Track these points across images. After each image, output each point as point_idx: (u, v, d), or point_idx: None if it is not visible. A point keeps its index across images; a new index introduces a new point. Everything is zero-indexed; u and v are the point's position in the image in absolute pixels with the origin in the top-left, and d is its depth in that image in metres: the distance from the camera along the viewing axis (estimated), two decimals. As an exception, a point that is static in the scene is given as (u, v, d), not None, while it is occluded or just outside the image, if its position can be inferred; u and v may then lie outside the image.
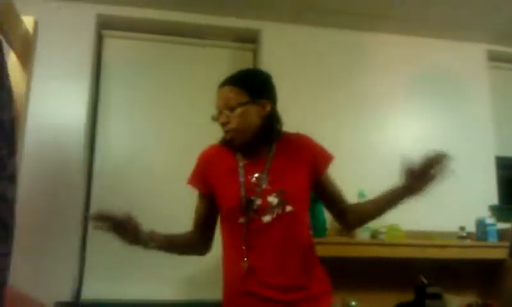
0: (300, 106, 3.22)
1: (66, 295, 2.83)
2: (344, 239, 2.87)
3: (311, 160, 1.83)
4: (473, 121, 3.52)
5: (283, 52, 3.36)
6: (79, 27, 3.15)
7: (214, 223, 1.90)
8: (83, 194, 3.06)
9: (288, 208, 1.72)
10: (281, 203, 1.71)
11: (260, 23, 3.39)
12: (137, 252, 2.95)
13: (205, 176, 1.84)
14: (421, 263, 2.93)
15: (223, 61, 3.44)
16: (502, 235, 3.03)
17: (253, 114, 1.77)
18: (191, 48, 3.44)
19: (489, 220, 3.08)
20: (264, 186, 1.73)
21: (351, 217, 1.89)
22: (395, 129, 3.39)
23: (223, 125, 1.78)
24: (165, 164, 3.20)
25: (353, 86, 3.38)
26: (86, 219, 2.96)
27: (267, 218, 1.71)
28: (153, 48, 3.40)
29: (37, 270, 2.75)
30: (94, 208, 3.07)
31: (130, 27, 3.35)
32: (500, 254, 2.87)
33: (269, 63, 3.28)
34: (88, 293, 2.97)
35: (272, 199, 1.71)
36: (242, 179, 1.75)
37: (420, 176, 1.67)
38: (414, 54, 3.54)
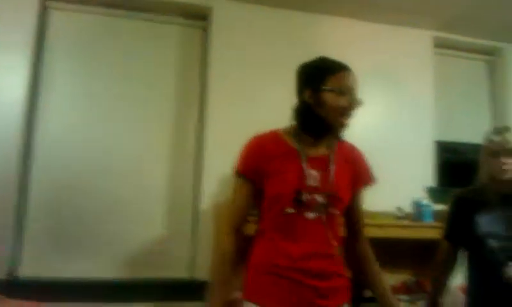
0: (250, 86, 3.25)
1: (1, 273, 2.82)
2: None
3: (356, 173, 1.86)
4: (417, 106, 3.63)
5: (234, 31, 3.35)
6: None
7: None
8: (20, 170, 2.97)
9: (332, 211, 1.75)
10: (328, 205, 1.74)
11: (211, 1, 3.36)
12: (79, 230, 2.96)
13: (258, 162, 1.78)
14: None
15: (172, 38, 3.41)
16: (437, 216, 3.15)
17: None
18: (138, 22, 3.37)
19: (426, 201, 3.21)
20: (317, 184, 1.74)
21: (354, 254, 1.93)
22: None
23: (351, 110, 1.76)
24: (108, 138, 3.16)
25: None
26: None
27: (311, 215, 1.72)
28: (100, 21, 3.31)
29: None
30: (33, 182, 3.02)
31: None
32: (434, 234, 3.00)
33: (220, 42, 3.29)
34: (27, 272, 2.94)
35: (320, 199, 1.73)
36: (306, 172, 1.74)
37: None
38: (363, 37, 3.59)
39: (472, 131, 3.79)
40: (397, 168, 3.34)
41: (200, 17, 3.44)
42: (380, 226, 2.96)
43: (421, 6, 3.43)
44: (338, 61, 1.81)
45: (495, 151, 2.21)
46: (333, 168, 1.78)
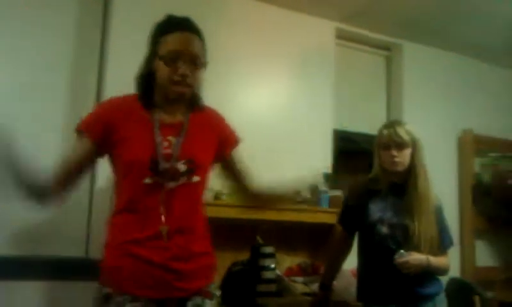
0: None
1: None
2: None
3: (219, 138, 1.81)
4: (317, 95, 3.69)
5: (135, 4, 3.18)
6: None
7: (82, 174, 1.71)
8: None
9: (195, 179, 1.67)
10: (189, 172, 1.65)
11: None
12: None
13: (107, 122, 1.64)
14: (259, 224, 3.10)
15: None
16: (332, 201, 3.28)
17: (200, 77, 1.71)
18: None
19: (323, 187, 3.32)
20: (174, 151, 1.64)
21: (249, 196, 1.94)
22: (246, 96, 3.45)
23: (183, 76, 1.62)
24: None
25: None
26: None
27: (171, 184, 1.63)
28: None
29: None
30: None
31: None
32: (330, 219, 3.12)
33: (121, 17, 3.13)
34: None
35: (180, 166, 1.64)
36: (158, 139, 1.63)
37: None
38: (270, 21, 3.58)
39: (368, 122, 3.97)
40: (297, 154, 3.41)
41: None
42: (279, 210, 3.01)
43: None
44: (176, 19, 1.71)
45: (386, 144, 2.32)
46: (186, 134, 1.69)
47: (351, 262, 2.56)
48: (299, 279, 3.12)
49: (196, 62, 1.65)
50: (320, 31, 3.81)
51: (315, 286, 2.96)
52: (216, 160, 1.82)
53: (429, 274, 2.28)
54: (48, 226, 2.91)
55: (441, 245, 2.33)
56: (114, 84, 3.00)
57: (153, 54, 1.67)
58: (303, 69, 3.67)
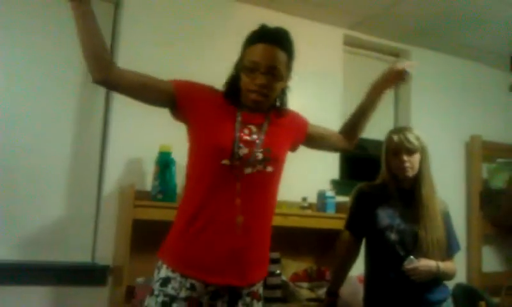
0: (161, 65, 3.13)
1: None
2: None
3: (294, 131, 1.94)
4: (325, 101, 3.69)
5: (146, 10, 3.21)
6: None
7: (141, 96, 1.76)
8: None
9: (269, 168, 1.74)
10: (265, 161, 1.73)
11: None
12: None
13: (197, 96, 1.77)
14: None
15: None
16: (339, 207, 3.27)
17: (280, 88, 1.80)
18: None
19: (329, 193, 3.32)
20: (255, 138, 1.73)
21: (347, 137, 2.15)
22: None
23: (261, 86, 1.70)
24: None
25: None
26: None
27: (248, 170, 1.70)
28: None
29: None
30: None
31: None
32: (336, 225, 3.11)
33: (132, 19, 3.16)
34: None
35: (258, 154, 1.71)
36: (239, 126, 1.73)
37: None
38: None
39: (375, 128, 3.95)
40: (305, 160, 3.39)
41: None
42: (284, 215, 3.02)
43: (333, 2, 3.50)
44: (265, 29, 1.78)
45: (396, 149, 2.31)
46: (266, 132, 1.78)
47: (357, 268, 2.55)
48: (305, 284, 3.11)
49: (274, 73, 1.71)
50: (329, 38, 3.82)
51: (321, 292, 2.96)
52: (292, 149, 1.97)
53: (436, 280, 2.27)
54: (55, 232, 2.93)
55: (449, 250, 2.33)
56: (120, 98, 3.02)
57: (240, 61, 1.77)
58: (312, 76, 3.67)
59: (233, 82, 1.79)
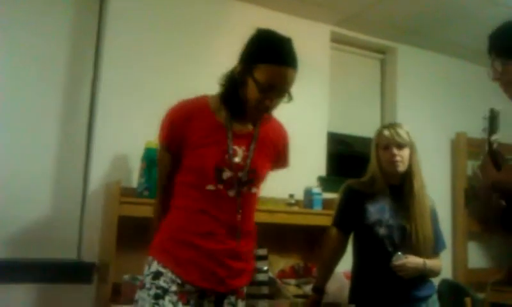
0: (144, 69, 3.12)
1: None
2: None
3: (276, 156, 1.93)
4: (312, 97, 3.68)
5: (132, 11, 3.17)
6: None
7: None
8: None
9: (253, 190, 1.79)
10: (249, 183, 1.75)
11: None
12: None
13: (181, 134, 1.76)
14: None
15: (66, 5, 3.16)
16: (326, 204, 3.28)
17: None
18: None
19: (316, 189, 3.32)
20: (239, 160, 1.74)
21: None
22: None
23: (268, 105, 1.72)
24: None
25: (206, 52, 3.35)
26: None
27: (231, 193, 1.73)
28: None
29: None
30: None
31: None
32: (323, 221, 3.11)
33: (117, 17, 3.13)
34: None
35: (242, 176, 1.73)
36: (229, 147, 1.74)
37: None
38: (266, 26, 3.49)
39: (362, 125, 3.98)
40: (292, 156, 3.40)
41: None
42: (271, 212, 3.02)
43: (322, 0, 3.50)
44: (282, 48, 1.74)
45: (386, 144, 2.33)
46: (255, 146, 1.79)
47: (343, 264, 2.55)
48: (292, 281, 3.12)
49: (284, 94, 1.73)
50: (315, 35, 3.82)
51: (308, 288, 2.96)
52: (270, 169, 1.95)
53: (422, 277, 2.29)
54: (40, 229, 2.90)
55: (435, 248, 2.35)
56: (106, 96, 3.01)
57: (248, 71, 1.71)
58: (298, 72, 3.65)
59: (234, 88, 1.77)
